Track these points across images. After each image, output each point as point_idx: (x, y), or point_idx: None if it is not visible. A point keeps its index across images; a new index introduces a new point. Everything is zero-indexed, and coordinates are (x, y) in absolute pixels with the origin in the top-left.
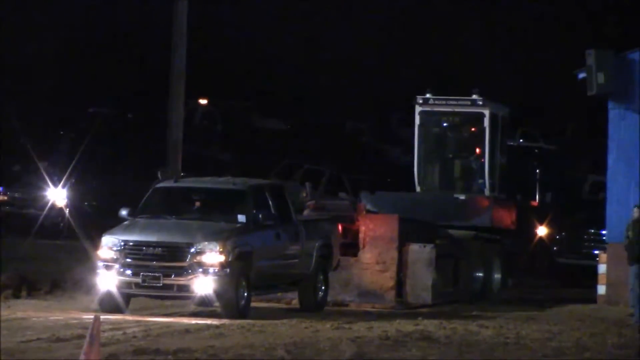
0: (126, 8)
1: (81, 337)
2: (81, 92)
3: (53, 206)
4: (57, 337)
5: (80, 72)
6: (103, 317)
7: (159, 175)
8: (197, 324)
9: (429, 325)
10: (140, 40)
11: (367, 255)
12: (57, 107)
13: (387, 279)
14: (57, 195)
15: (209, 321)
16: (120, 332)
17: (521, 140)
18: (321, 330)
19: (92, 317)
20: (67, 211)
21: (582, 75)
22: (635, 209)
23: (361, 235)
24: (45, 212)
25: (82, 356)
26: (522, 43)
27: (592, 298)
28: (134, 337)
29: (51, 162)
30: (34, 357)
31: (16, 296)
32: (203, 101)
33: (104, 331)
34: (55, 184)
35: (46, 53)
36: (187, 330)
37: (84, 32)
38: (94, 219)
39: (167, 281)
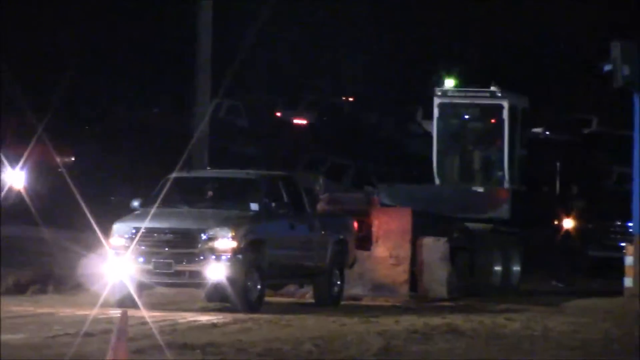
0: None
1: (108, 332)
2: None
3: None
4: (84, 332)
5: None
6: (130, 312)
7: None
8: (224, 318)
9: (456, 318)
10: (167, 34)
11: (380, 249)
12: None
13: (401, 273)
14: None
15: (236, 315)
16: (147, 327)
17: (547, 132)
18: (348, 324)
19: (120, 312)
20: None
21: (607, 67)
22: None
23: (374, 229)
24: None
25: (110, 351)
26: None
27: (618, 291)
28: (161, 331)
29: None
30: (61, 352)
31: (43, 291)
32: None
33: (131, 325)
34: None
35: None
36: (214, 324)
37: (105, 22)
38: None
39: (179, 267)
